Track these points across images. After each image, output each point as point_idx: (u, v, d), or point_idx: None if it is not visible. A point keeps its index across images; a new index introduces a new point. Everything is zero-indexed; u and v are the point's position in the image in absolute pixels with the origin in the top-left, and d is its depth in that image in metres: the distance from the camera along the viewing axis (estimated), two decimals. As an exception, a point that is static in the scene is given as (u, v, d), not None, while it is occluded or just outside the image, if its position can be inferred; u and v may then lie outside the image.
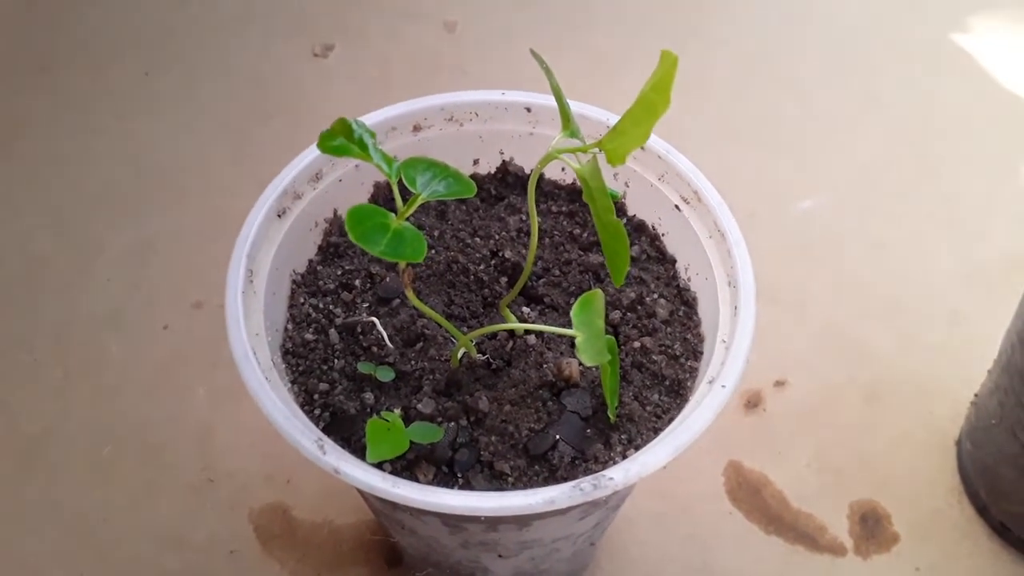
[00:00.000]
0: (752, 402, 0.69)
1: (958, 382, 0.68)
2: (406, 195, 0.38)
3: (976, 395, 0.64)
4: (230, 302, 0.42)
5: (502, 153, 0.54)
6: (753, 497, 0.64)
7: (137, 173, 0.84)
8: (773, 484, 0.65)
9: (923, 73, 0.96)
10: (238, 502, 0.64)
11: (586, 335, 0.37)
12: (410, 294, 0.40)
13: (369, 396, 0.44)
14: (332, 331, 0.46)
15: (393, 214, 0.37)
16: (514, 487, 0.41)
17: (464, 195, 0.38)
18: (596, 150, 0.39)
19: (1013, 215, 0.82)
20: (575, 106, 0.50)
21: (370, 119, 0.50)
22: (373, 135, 0.38)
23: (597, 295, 0.39)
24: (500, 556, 0.47)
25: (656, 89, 0.35)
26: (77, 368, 0.71)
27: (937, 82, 0.95)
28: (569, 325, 0.42)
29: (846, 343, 0.73)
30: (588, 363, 0.37)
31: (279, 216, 0.47)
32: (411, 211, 0.37)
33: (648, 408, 0.44)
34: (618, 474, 0.37)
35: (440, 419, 0.43)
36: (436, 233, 0.51)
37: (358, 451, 0.41)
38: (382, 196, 0.53)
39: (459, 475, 0.42)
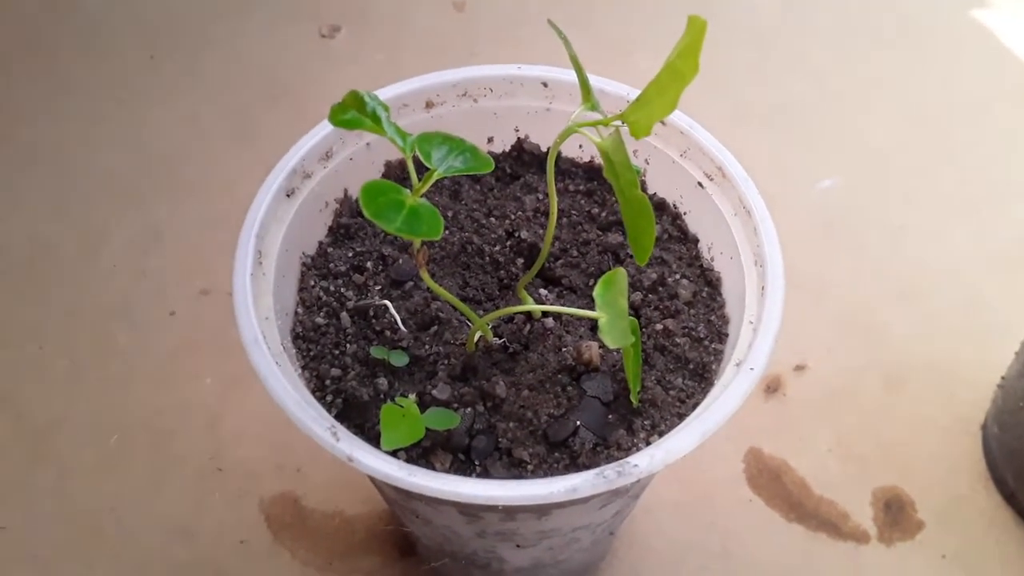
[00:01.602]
0: (772, 387, 0.67)
1: (981, 365, 0.66)
2: (421, 171, 0.37)
3: (1003, 377, 0.62)
4: (238, 284, 0.41)
5: (517, 130, 0.52)
6: (774, 484, 0.63)
7: (142, 159, 0.83)
8: (794, 471, 0.63)
9: (940, 50, 0.94)
10: (247, 491, 0.63)
11: (609, 315, 0.35)
12: (425, 275, 0.39)
13: (383, 381, 0.42)
14: (344, 315, 0.45)
15: (408, 190, 0.35)
16: (534, 475, 0.40)
17: (481, 171, 0.36)
18: (618, 123, 0.37)
19: (1037, 195, 0.81)
20: (594, 80, 0.48)
21: (381, 95, 0.48)
22: (387, 108, 0.37)
23: (620, 273, 0.37)
24: (518, 546, 0.46)
25: (683, 55, 0.34)
26: (84, 357, 0.69)
27: (955, 59, 0.93)
28: (588, 307, 0.41)
29: (867, 326, 0.71)
30: (612, 345, 0.36)
31: (288, 196, 0.45)
32: (427, 187, 0.35)
33: (672, 393, 0.42)
34: (643, 461, 0.36)
35: (456, 405, 0.42)
36: (450, 213, 0.49)
37: (372, 438, 0.40)
38: (394, 175, 0.51)
39: (476, 463, 0.40)
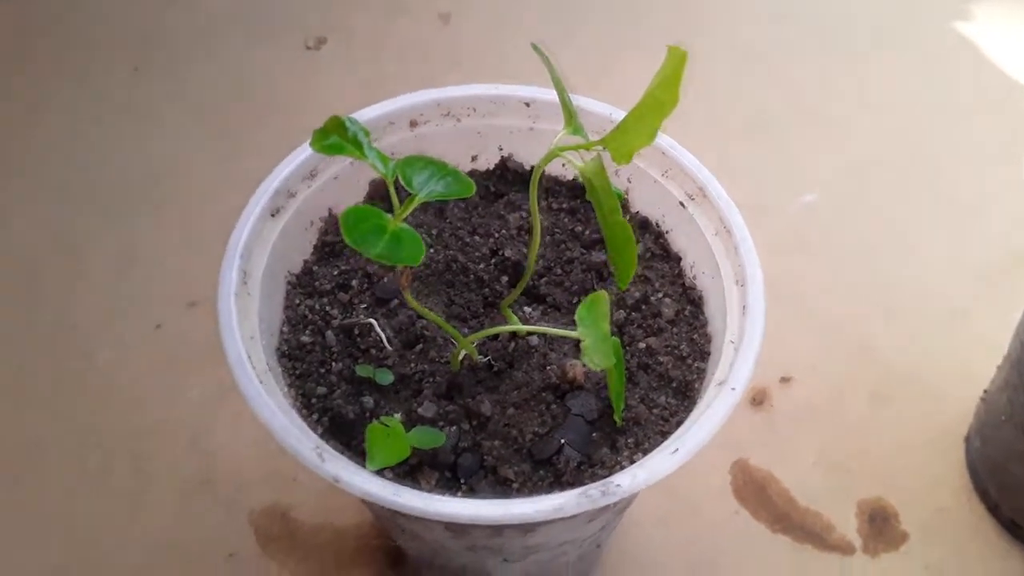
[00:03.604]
0: (758, 399, 0.68)
1: (965, 379, 0.67)
2: (403, 194, 0.37)
3: (985, 391, 0.63)
4: (223, 305, 0.41)
5: (501, 149, 0.52)
6: (759, 496, 0.63)
7: (127, 173, 0.83)
8: (780, 482, 0.64)
9: (923, 64, 0.95)
10: (236, 504, 0.63)
11: (592, 338, 0.36)
12: (408, 297, 0.39)
13: (368, 400, 0.42)
14: (329, 333, 0.45)
15: (390, 215, 0.35)
16: (519, 493, 0.40)
17: (463, 195, 0.37)
18: (600, 148, 0.37)
19: (1018, 208, 0.81)
20: (576, 100, 0.48)
21: (366, 114, 0.49)
22: (368, 133, 0.37)
23: (602, 296, 0.38)
24: (505, 560, 0.46)
25: (663, 86, 0.34)
26: (68, 372, 0.69)
27: (936, 72, 0.94)
28: (572, 325, 0.41)
29: (852, 339, 0.72)
30: (595, 368, 0.36)
31: (272, 215, 0.46)
32: (408, 211, 0.35)
33: (655, 411, 0.43)
34: (625, 480, 0.36)
35: (442, 423, 0.42)
36: (435, 232, 0.50)
37: (358, 456, 0.40)
38: (379, 193, 0.51)
39: (462, 480, 0.41)
